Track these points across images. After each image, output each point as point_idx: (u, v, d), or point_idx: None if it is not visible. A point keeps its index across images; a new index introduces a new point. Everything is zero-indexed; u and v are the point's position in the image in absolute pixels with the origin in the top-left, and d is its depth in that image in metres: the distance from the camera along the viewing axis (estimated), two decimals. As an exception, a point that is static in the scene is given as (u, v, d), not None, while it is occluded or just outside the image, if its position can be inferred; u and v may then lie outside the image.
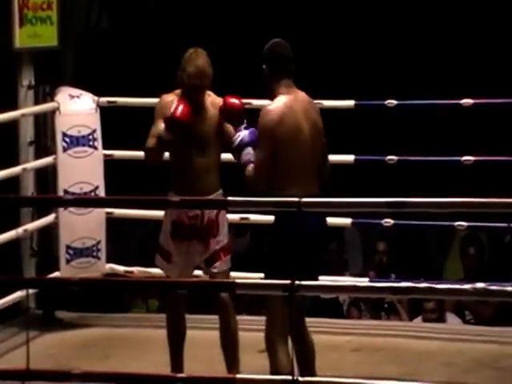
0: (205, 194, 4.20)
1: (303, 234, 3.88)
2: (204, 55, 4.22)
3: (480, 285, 3.39)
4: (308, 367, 3.97)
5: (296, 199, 3.31)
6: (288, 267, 3.79)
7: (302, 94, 3.98)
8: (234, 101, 4.19)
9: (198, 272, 5.17)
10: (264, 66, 3.99)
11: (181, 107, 4.16)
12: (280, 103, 3.91)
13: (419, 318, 5.75)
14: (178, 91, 4.30)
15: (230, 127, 4.23)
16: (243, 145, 4.04)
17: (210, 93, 4.29)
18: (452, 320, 5.78)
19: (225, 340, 4.30)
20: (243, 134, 4.08)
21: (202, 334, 5.00)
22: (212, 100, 4.29)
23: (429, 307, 5.63)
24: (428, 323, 5.64)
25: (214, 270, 4.25)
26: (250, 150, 4.01)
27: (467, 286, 3.20)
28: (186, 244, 4.28)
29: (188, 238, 4.26)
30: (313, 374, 3.92)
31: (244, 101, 5.14)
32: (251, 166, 3.95)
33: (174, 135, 4.17)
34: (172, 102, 4.24)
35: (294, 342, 3.91)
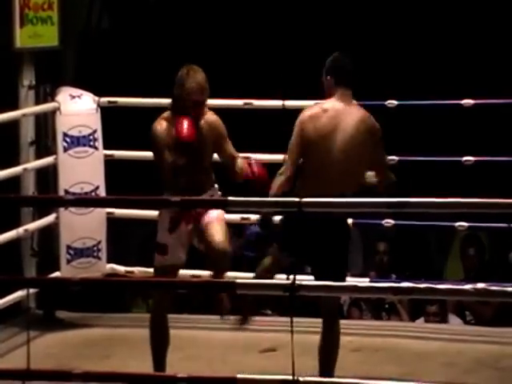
0: (201, 192, 4.22)
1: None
2: (201, 71, 4.26)
3: (480, 285, 3.39)
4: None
5: (296, 199, 3.31)
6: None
7: (354, 107, 4.11)
8: (260, 173, 4.27)
9: (200, 272, 5.18)
10: (328, 77, 4.14)
11: (185, 125, 4.16)
12: (318, 105, 4.10)
13: (421, 319, 5.75)
14: (166, 114, 4.30)
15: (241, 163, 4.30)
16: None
17: (207, 109, 4.32)
18: (453, 320, 5.78)
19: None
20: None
21: (204, 333, 5.01)
22: (207, 117, 4.31)
23: (431, 311, 5.63)
24: (429, 324, 5.65)
25: (206, 219, 4.20)
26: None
27: (468, 287, 3.20)
28: (180, 231, 4.29)
29: (185, 223, 4.28)
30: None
31: (245, 101, 5.16)
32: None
33: (186, 156, 4.19)
34: (169, 128, 4.24)
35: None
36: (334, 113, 4.06)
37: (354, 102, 4.18)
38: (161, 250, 4.33)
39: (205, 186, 4.27)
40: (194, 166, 4.25)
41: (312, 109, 4.10)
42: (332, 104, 4.08)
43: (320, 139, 4.02)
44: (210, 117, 4.33)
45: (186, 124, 4.16)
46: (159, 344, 4.28)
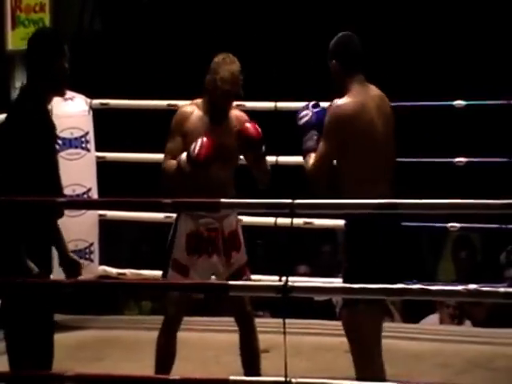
0: (223, 194, 3.94)
1: (381, 235, 3.70)
2: (237, 61, 4.04)
3: (473, 286, 3.39)
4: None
5: (288, 200, 3.30)
6: (371, 271, 3.65)
7: (374, 90, 3.76)
8: (250, 128, 4.03)
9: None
10: (334, 62, 3.71)
11: (205, 144, 3.91)
12: (353, 99, 3.66)
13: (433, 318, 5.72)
14: (198, 101, 4.09)
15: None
16: (310, 126, 3.71)
17: (233, 104, 4.14)
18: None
19: (245, 354, 4.13)
20: (310, 113, 3.74)
21: (197, 335, 5.00)
22: (234, 112, 4.13)
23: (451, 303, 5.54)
24: (421, 325, 5.66)
25: (236, 264, 4.05)
26: (314, 133, 3.69)
27: (460, 288, 3.20)
28: (204, 259, 4.06)
29: (206, 252, 4.04)
30: None
31: (236, 103, 5.15)
32: (312, 157, 3.68)
33: (195, 170, 3.96)
34: (192, 114, 4.03)
35: None
36: (372, 102, 3.68)
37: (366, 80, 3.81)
38: (179, 269, 4.07)
39: (227, 189, 4.05)
40: (217, 170, 4.02)
41: (349, 104, 3.63)
42: (362, 94, 3.67)
43: (366, 136, 3.63)
44: (237, 111, 4.15)
45: (205, 144, 3.91)
46: (165, 361, 4.12)
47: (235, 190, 4.15)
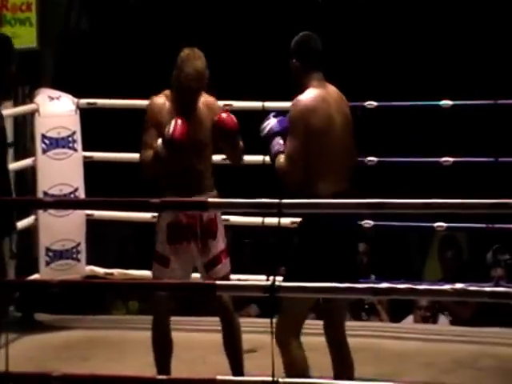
0: (199, 191, 4.08)
1: (333, 235, 3.77)
2: (202, 57, 4.07)
3: (459, 285, 3.41)
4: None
5: (276, 200, 3.31)
6: (318, 270, 3.72)
7: (332, 88, 3.87)
8: (227, 119, 4.06)
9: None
10: (294, 60, 3.86)
11: (178, 125, 3.98)
12: (312, 94, 3.79)
13: (409, 319, 5.77)
14: (167, 92, 4.15)
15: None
16: (272, 134, 3.86)
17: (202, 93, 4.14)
18: (442, 321, 5.81)
19: (228, 342, 4.17)
20: (272, 122, 3.88)
21: (183, 335, 5.00)
22: (204, 100, 4.14)
23: (423, 304, 5.63)
24: (408, 324, 5.67)
25: (216, 275, 4.10)
26: (279, 139, 3.83)
27: (446, 287, 3.22)
28: (184, 246, 4.12)
29: (186, 239, 4.11)
30: None
31: (225, 102, 5.15)
32: (282, 156, 3.79)
33: (171, 153, 4.01)
34: (164, 106, 4.08)
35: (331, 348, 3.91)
36: (331, 98, 3.81)
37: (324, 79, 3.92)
38: (160, 260, 4.15)
39: (202, 186, 4.12)
40: (192, 161, 4.09)
41: (309, 99, 3.78)
42: (321, 90, 3.80)
43: (325, 129, 3.75)
44: (208, 98, 4.15)
45: (179, 125, 3.97)
46: (162, 351, 4.17)
47: (213, 181, 4.20)
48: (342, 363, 3.98)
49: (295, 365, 3.80)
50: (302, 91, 3.84)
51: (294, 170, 3.76)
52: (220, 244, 4.17)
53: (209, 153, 4.18)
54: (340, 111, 3.84)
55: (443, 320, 5.79)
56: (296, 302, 3.76)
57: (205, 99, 4.16)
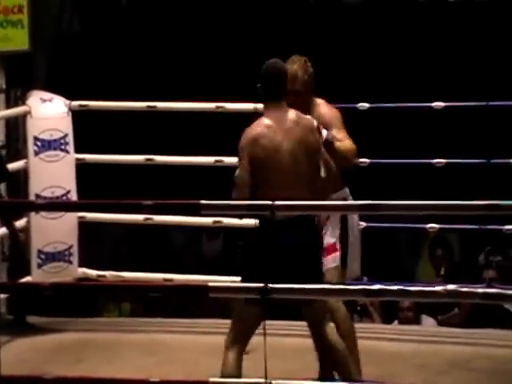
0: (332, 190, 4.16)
1: (278, 247, 3.90)
2: (298, 61, 4.25)
3: (451, 286, 3.41)
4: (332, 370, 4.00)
5: (269, 202, 3.32)
6: (260, 276, 3.75)
7: (289, 114, 4.03)
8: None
9: (173, 276, 5.16)
10: (258, 86, 4.07)
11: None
12: (258, 124, 4.01)
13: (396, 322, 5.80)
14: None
15: None
16: None
17: (319, 101, 4.28)
18: (426, 321, 5.82)
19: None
20: None
21: (177, 337, 5.00)
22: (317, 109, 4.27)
23: (405, 305, 5.68)
24: (401, 326, 5.68)
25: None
26: None
27: (439, 288, 3.22)
28: None
29: None
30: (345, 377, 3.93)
31: (217, 104, 5.14)
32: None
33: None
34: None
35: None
36: (281, 125, 3.99)
37: (286, 107, 4.05)
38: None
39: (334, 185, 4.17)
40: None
41: (252, 130, 4.00)
42: (271, 118, 4.00)
43: (270, 156, 3.95)
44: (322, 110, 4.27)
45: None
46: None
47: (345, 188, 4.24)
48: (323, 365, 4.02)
49: (226, 369, 3.93)
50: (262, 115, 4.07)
51: (239, 194, 3.95)
52: (327, 238, 4.21)
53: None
54: (291, 137, 3.98)
55: (426, 321, 5.80)
56: (241, 311, 3.88)
57: (318, 108, 4.29)
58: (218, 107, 5.33)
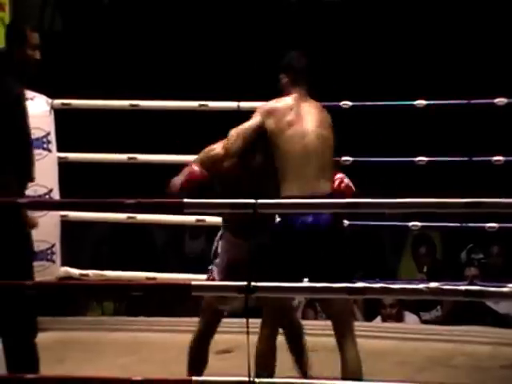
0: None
1: (292, 234, 3.84)
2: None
3: (434, 284, 3.43)
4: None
5: (252, 201, 3.31)
6: (279, 266, 3.80)
7: (312, 102, 4.06)
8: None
9: (155, 274, 5.15)
10: (280, 76, 4.09)
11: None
12: (284, 99, 4.01)
13: (378, 319, 5.81)
14: None
15: None
16: None
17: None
18: (409, 318, 5.84)
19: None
20: None
21: (158, 336, 4.99)
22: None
23: (388, 302, 5.70)
24: (382, 323, 5.69)
25: None
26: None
27: (422, 286, 3.23)
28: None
29: None
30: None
31: (200, 103, 5.14)
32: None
33: None
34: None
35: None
36: (305, 109, 4.00)
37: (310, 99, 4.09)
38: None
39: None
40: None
41: (275, 100, 4.01)
42: (295, 101, 4.01)
43: (293, 133, 3.91)
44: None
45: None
46: (197, 367, 4.12)
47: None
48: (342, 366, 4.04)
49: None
50: None
51: (233, 143, 3.95)
52: None
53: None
54: (314, 118, 3.98)
55: (409, 317, 5.82)
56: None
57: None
58: (200, 105, 5.33)
